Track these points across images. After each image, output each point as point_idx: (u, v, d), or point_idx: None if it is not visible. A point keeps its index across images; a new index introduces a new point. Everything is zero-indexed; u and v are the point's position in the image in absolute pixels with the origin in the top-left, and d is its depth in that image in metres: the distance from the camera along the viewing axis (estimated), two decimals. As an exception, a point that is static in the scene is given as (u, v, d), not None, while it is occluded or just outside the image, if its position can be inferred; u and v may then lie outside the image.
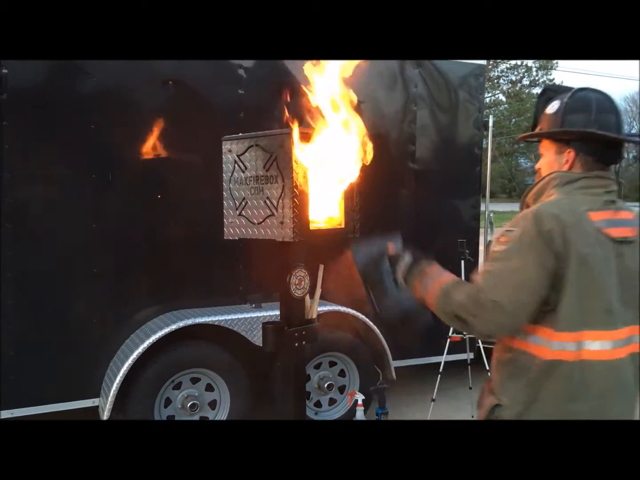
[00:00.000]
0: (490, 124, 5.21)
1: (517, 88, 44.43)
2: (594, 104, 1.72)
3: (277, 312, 2.61)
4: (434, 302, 1.74)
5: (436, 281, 1.76)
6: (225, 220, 2.56)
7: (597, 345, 1.60)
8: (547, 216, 1.59)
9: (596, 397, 1.61)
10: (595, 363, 1.60)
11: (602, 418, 1.62)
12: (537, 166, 1.86)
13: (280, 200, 2.33)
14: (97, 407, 3.66)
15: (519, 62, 41.82)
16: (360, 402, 3.99)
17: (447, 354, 4.32)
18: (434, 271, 1.81)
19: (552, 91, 1.88)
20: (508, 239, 1.63)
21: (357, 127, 2.15)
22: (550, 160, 1.79)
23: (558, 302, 1.58)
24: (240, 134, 2.39)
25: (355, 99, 2.16)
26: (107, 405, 3.46)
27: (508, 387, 1.71)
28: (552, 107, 1.79)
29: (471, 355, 4.45)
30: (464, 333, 4.20)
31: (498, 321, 1.61)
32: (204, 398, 3.86)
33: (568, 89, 1.82)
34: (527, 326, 1.63)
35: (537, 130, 1.84)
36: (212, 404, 3.89)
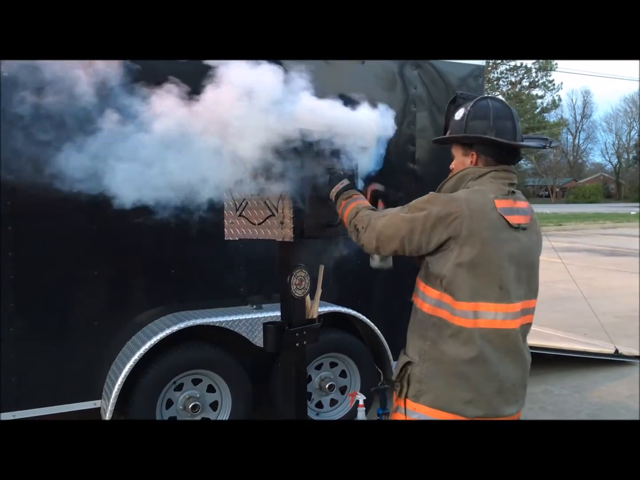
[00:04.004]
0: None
1: (517, 89, 44.46)
2: (492, 111, 1.99)
3: (278, 313, 2.62)
4: (346, 214, 2.17)
5: (356, 202, 2.19)
6: (225, 221, 2.57)
7: (491, 315, 1.90)
8: (459, 202, 1.89)
9: (491, 361, 1.91)
10: (490, 331, 1.90)
11: (495, 381, 1.91)
12: (451, 166, 2.14)
13: (280, 201, 2.34)
14: (99, 409, 3.67)
15: (518, 63, 41.89)
16: (361, 402, 3.99)
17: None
18: (358, 197, 2.23)
19: (462, 99, 2.13)
20: (425, 203, 1.94)
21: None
22: (459, 160, 2.09)
23: (449, 275, 1.89)
24: (240, 135, 2.40)
25: None
26: (109, 407, 3.47)
27: (418, 346, 2.01)
28: (458, 114, 2.07)
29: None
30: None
31: (371, 242, 2.03)
32: (205, 399, 3.87)
33: (473, 97, 2.11)
34: (434, 293, 1.96)
35: (447, 134, 2.13)
36: (214, 405, 3.90)
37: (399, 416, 2.03)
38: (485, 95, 2.08)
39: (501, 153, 2.01)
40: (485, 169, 2.00)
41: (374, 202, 2.41)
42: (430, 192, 2.01)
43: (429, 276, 1.98)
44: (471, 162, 2.03)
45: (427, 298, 1.99)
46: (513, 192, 2.00)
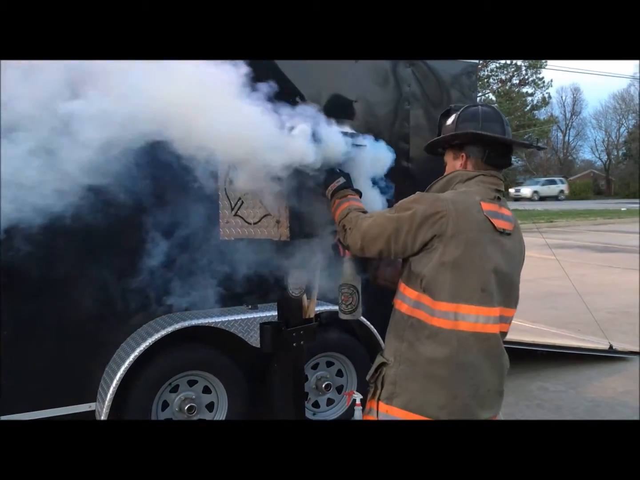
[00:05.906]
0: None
1: (507, 87, 44.67)
2: (481, 114, 2.05)
3: (274, 313, 2.61)
4: (337, 213, 2.16)
5: (349, 202, 2.18)
6: (220, 221, 2.55)
7: (472, 318, 1.87)
8: (445, 202, 1.89)
9: (467, 364, 1.88)
10: (469, 334, 1.87)
11: (471, 385, 1.88)
12: (445, 174, 2.15)
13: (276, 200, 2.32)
14: (94, 411, 3.63)
15: (508, 61, 42.01)
16: (358, 401, 3.99)
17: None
18: (352, 197, 2.22)
19: (454, 110, 2.18)
20: (412, 203, 1.94)
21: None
22: (450, 165, 2.13)
23: (431, 274, 1.87)
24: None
25: None
26: (104, 410, 3.43)
27: (394, 347, 1.99)
28: (449, 120, 2.14)
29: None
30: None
31: (356, 243, 2.03)
32: (201, 400, 3.84)
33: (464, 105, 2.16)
34: (413, 294, 1.94)
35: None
36: (210, 407, 3.87)
37: (371, 419, 2.01)
38: (476, 103, 2.17)
39: (490, 154, 2.02)
40: (474, 172, 2.03)
41: None
42: (417, 192, 2.01)
43: (410, 276, 1.97)
44: (461, 164, 2.06)
45: (406, 299, 1.98)
46: (499, 198, 2.01)
